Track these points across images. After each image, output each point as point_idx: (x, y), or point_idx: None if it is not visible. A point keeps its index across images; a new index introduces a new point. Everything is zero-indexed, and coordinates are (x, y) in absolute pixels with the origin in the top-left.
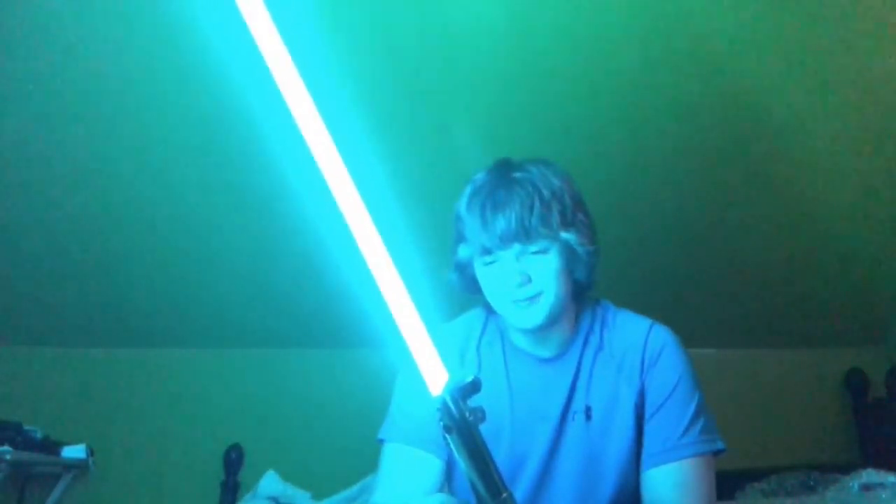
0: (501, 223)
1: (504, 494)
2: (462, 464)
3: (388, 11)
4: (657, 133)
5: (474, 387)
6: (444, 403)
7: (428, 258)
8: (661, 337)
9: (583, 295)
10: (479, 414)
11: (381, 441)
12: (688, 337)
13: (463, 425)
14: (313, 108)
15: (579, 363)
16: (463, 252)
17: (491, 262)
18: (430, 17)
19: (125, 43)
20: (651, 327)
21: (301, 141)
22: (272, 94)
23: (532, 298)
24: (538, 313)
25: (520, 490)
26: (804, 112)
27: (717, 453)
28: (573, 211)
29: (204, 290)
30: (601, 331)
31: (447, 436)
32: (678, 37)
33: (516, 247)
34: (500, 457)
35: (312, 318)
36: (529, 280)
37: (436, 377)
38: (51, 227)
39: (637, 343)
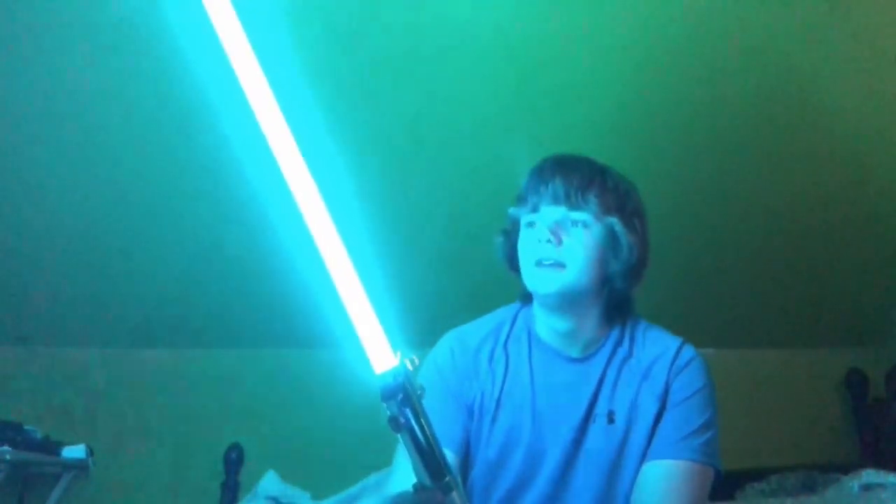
0: (559, 181)
1: (447, 478)
2: (408, 437)
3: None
4: (658, 134)
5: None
6: (395, 374)
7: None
8: (691, 353)
9: (620, 308)
10: (423, 390)
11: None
12: (688, 337)
13: (412, 395)
14: (283, 128)
15: (606, 368)
16: (514, 211)
17: (531, 224)
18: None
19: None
20: (682, 345)
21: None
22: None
23: (556, 265)
24: (556, 280)
25: (537, 488)
26: (804, 113)
27: (714, 471)
28: (631, 213)
29: (203, 290)
30: (631, 343)
31: (399, 408)
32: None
33: (561, 209)
34: (519, 452)
35: (312, 318)
36: (560, 242)
37: (383, 357)
38: (49, 227)
39: (666, 356)
